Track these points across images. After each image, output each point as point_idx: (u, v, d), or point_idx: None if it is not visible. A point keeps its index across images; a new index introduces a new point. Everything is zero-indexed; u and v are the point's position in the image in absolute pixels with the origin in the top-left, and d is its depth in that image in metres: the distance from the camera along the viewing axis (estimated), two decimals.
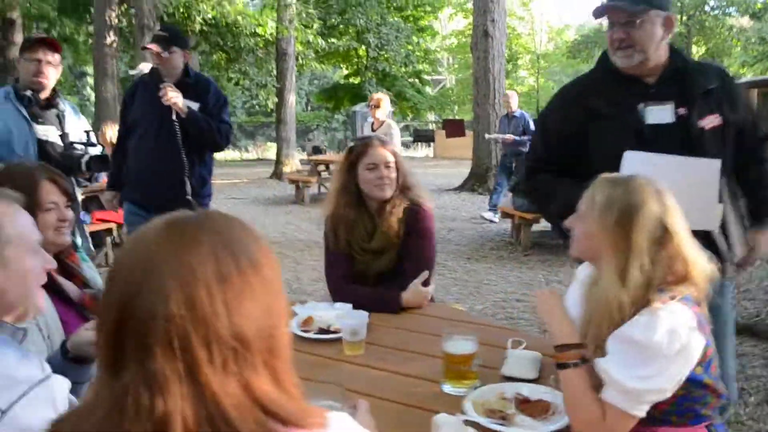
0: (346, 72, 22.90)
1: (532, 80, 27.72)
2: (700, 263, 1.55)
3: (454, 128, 12.02)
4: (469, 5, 24.57)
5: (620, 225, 1.56)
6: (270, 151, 19.85)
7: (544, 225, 7.26)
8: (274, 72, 15.62)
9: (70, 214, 2.04)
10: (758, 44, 18.54)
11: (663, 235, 1.55)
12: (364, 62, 21.03)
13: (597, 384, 1.55)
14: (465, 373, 1.84)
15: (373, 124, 7.21)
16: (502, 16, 12.06)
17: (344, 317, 2.20)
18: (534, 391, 1.76)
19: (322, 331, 2.26)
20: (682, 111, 2.23)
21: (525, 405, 1.71)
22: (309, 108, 31.84)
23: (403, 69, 21.58)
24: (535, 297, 1.78)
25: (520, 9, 26.31)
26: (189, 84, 3.64)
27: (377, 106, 7.12)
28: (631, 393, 1.47)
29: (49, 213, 1.96)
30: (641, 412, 1.48)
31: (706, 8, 19.41)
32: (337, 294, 2.63)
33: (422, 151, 23.89)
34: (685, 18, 18.99)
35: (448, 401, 1.78)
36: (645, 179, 1.64)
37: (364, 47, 19.94)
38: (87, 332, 1.57)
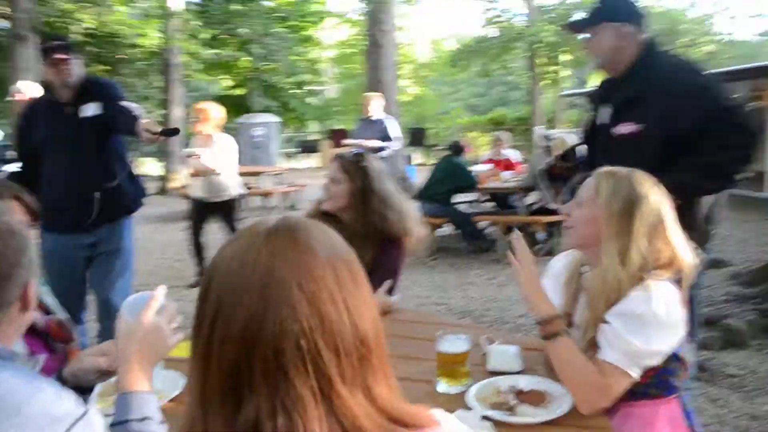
0: (230, 83, 22.41)
1: (414, 89, 28.43)
2: (685, 252, 1.71)
3: (340, 138, 12.21)
4: (351, 15, 25.02)
5: (625, 212, 1.72)
6: (146, 166, 18.87)
7: (446, 230, 7.52)
8: (160, 84, 15.01)
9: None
10: None
11: (659, 224, 1.71)
12: (249, 73, 20.70)
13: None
14: (459, 372, 1.89)
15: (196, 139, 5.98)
16: (393, 27, 12.30)
17: None
18: (527, 383, 1.85)
19: None
20: (609, 115, 2.51)
21: (522, 396, 1.79)
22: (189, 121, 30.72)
23: (287, 79, 21.43)
24: (516, 264, 1.83)
25: (400, 19, 26.95)
26: (88, 88, 3.41)
27: (204, 119, 5.79)
28: (633, 353, 1.61)
29: None
30: (636, 373, 1.63)
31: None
32: None
33: (307, 161, 23.82)
34: (557, 28, 20.26)
35: (444, 400, 1.81)
36: (643, 175, 1.80)
37: (247, 58, 19.62)
38: (90, 359, 1.48)
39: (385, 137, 7.53)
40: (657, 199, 1.74)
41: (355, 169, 2.61)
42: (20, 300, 1.15)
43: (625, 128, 2.42)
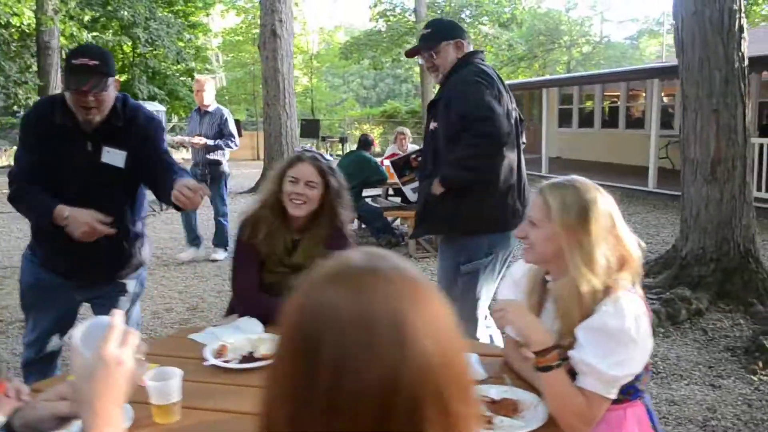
0: None
1: (305, 80, 28.12)
2: (633, 245, 1.74)
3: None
4: (241, 2, 24.32)
5: (580, 222, 1.70)
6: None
7: (353, 225, 7.45)
8: (34, 68, 13.84)
9: None
10: (507, 50, 20.92)
11: (611, 225, 1.72)
12: (131, 58, 19.60)
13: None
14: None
15: None
16: (290, 16, 12.05)
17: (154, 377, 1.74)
18: (497, 392, 1.82)
19: (247, 359, 2.08)
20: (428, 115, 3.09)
21: (495, 406, 1.75)
22: None
23: (174, 67, 20.51)
24: (502, 310, 1.80)
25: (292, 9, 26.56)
26: (119, 127, 2.57)
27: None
28: (610, 380, 1.60)
29: None
30: (614, 394, 1.64)
31: (462, 16, 21.41)
32: (246, 302, 2.49)
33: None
34: None
35: None
36: (583, 180, 1.80)
37: (130, 43, 18.56)
38: (47, 404, 1.27)
39: (224, 132, 6.57)
40: (604, 200, 1.75)
41: (327, 171, 2.52)
42: None
43: (431, 125, 2.97)
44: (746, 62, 5.21)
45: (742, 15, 5.18)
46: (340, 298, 0.73)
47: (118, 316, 1.15)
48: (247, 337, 2.23)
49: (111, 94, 2.48)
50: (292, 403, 0.72)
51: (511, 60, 25.63)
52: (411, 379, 0.69)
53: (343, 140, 24.90)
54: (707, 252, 5.36)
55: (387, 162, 7.72)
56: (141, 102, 11.34)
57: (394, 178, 7.54)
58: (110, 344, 1.11)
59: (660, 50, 32.51)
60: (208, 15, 21.53)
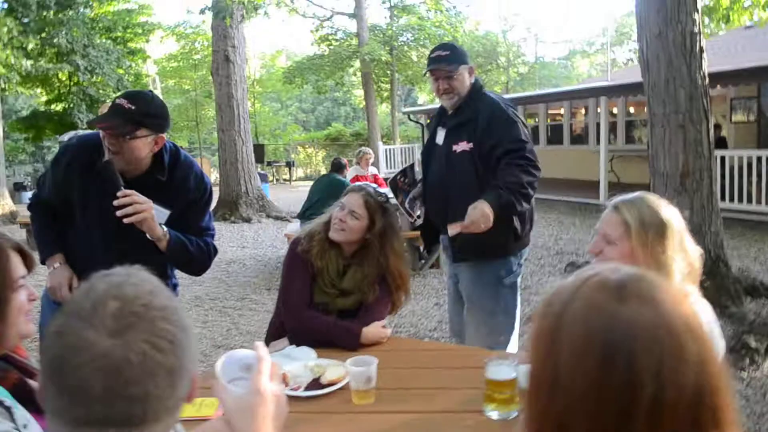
0: (45, 98, 20.39)
1: (248, 105, 27.87)
2: (697, 258, 1.85)
3: None
4: (182, 27, 23.97)
5: (658, 240, 1.80)
6: None
7: None
8: None
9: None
10: None
11: (682, 240, 1.83)
12: (68, 86, 19.00)
13: None
14: (512, 397, 1.88)
15: None
16: (242, 42, 12.01)
17: (353, 364, 2.05)
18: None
19: (314, 386, 2.08)
20: (447, 136, 3.01)
21: None
22: None
23: (114, 94, 20.00)
24: None
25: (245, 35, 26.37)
26: (162, 181, 2.42)
27: None
28: None
29: (19, 292, 1.50)
30: None
31: (402, 40, 21.73)
32: (295, 318, 2.51)
33: None
34: (388, 49, 21.00)
35: (498, 427, 1.81)
36: (654, 196, 1.90)
37: (66, 70, 18.00)
38: None
39: None
40: (675, 216, 1.86)
41: (377, 209, 2.58)
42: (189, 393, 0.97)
43: (460, 146, 2.92)
44: (707, 80, 5.54)
45: (702, 36, 5.51)
46: (638, 311, 0.76)
47: (262, 348, 1.16)
48: (304, 364, 2.22)
49: (138, 144, 2.28)
50: (608, 418, 0.74)
51: None
52: (709, 381, 0.73)
53: (289, 165, 24.83)
54: None
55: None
56: (79, 130, 10.75)
57: None
58: (264, 377, 1.11)
59: (590, 70, 33.87)
60: (147, 41, 21.11)
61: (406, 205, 3.15)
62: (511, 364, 1.90)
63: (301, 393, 2.04)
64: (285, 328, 2.58)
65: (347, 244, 2.57)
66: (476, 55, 26.03)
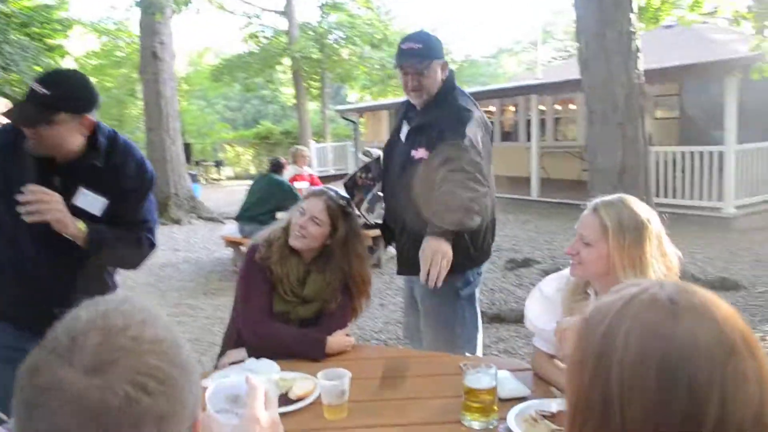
0: None
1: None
2: (676, 260, 1.85)
3: None
4: (104, 23, 22.98)
5: (636, 242, 1.80)
6: None
7: None
8: None
9: None
10: (379, 70, 21.35)
11: (660, 242, 1.81)
12: None
13: None
14: (491, 405, 1.82)
15: None
16: (171, 38, 11.58)
17: (324, 377, 1.94)
18: (555, 405, 1.84)
19: (282, 401, 1.95)
20: (408, 137, 2.75)
21: (555, 419, 1.77)
22: None
23: None
24: (566, 330, 1.82)
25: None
26: (98, 167, 2.20)
27: None
28: None
29: None
30: None
31: (330, 38, 21.57)
32: (258, 328, 2.36)
33: None
34: (319, 46, 20.81)
35: None
36: (633, 198, 1.88)
37: None
38: None
39: None
40: (653, 218, 1.85)
41: (339, 214, 2.47)
42: None
43: (418, 153, 2.65)
44: (643, 79, 5.69)
45: (637, 36, 5.65)
46: (695, 330, 0.71)
47: (251, 377, 1.07)
48: (267, 379, 2.10)
49: (59, 131, 2.06)
50: None
51: (382, 79, 26.17)
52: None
53: (218, 164, 24.23)
54: None
55: (297, 184, 7.61)
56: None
57: None
58: (259, 404, 1.04)
59: (516, 68, 34.64)
60: (66, 38, 20.11)
61: (366, 205, 2.94)
62: (489, 371, 1.84)
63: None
64: (243, 339, 2.43)
65: (308, 250, 2.46)
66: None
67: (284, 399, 1.95)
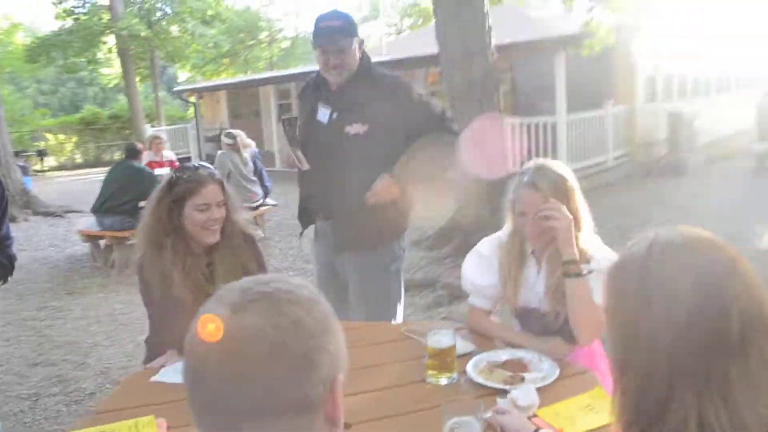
0: None
1: None
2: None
3: None
4: None
5: (569, 199, 2.09)
6: None
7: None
8: None
9: None
10: (213, 48, 20.68)
11: (580, 194, 2.12)
12: None
13: None
14: (452, 364, 1.99)
15: None
16: None
17: None
18: (503, 354, 2.06)
19: None
20: (335, 116, 2.79)
21: (506, 366, 2.00)
22: None
23: None
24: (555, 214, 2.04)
25: None
26: None
27: None
28: None
29: None
30: None
31: (158, 15, 20.48)
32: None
33: None
34: (147, 24, 19.67)
35: (443, 392, 1.90)
36: (549, 161, 2.17)
37: None
38: None
39: None
40: (570, 173, 2.15)
41: (222, 181, 2.35)
42: (330, 404, 0.86)
43: (354, 128, 2.73)
44: (496, 56, 6.12)
45: (489, 17, 6.06)
46: (715, 257, 0.95)
47: None
48: None
49: None
50: (708, 341, 0.90)
51: (214, 58, 25.39)
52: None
53: (41, 154, 22.16)
54: (482, 220, 6.19)
55: (164, 170, 7.29)
56: None
57: None
58: None
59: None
60: None
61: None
62: (447, 332, 2.01)
63: None
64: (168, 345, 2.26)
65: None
66: (238, 30, 25.52)
67: None
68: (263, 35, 28.18)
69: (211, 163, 2.91)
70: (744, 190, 10.09)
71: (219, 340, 0.79)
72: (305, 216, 3.05)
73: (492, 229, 6.64)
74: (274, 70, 26.00)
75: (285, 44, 29.43)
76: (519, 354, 2.05)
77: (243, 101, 19.55)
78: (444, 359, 1.98)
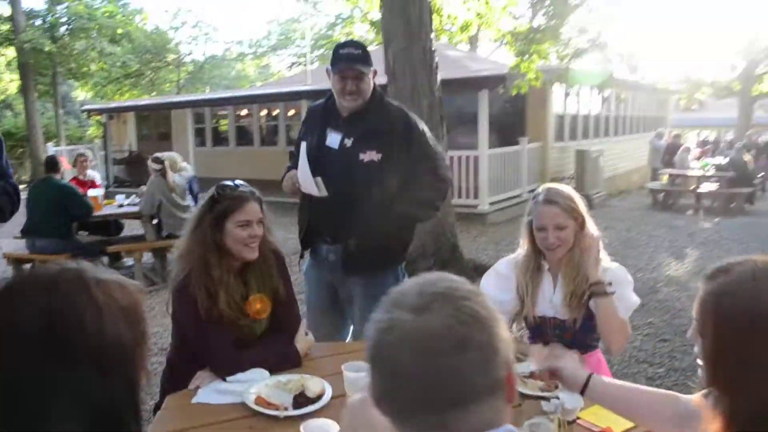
0: None
1: None
2: None
3: None
4: None
5: (582, 212, 2.36)
6: None
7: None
8: None
9: None
10: (120, 67, 20.01)
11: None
12: None
13: None
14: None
15: None
16: None
17: (348, 370, 2.02)
18: (527, 367, 2.19)
19: (303, 402, 1.98)
20: (348, 143, 2.90)
21: (536, 377, 2.15)
22: None
23: None
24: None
25: None
26: None
27: None
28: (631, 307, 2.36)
29: None
30: None
31: (67, 28, 19.59)
32: (229, 366, 2.20)
33: None
34: (51, 38, 18.76)
35: None
36: (556, 184, 2.44)
37: None
38: None
39: None
40: (576, 193, 2.43)
41: (262, 204, 2.38)
42: (508, 383, 0.97)
43: (368, 156, 2.85)
44: (440, 92, 6.42)
45: (435, 55, 6.37)
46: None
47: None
48: (266, 384, 2.10)
49: None
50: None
51: (117, 78, 24.56)
52: None
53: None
54: (427, 248, 6.43)
55: (95, 191, 6.99)
56: None
57: (100, 210, 6.88)
58: None
59: (257, 72, 34.80)
60: None
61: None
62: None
63: (295, 412, 1.93)
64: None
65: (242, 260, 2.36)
66: (145, 51, 24.86)
67: (305, 398, 1.99)
68: (170, 57, 27.57)
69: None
70: (644, 222, 10.99)
71: (409, 342, 0.90)
72: (308, 240, 3.11)
73: (436, 256, 6.92)
74: (181, 93, 25.50)
75: (192, 68, 28.92)
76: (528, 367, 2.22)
77: (152, 123, 19.02)
78: None
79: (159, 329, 5.49)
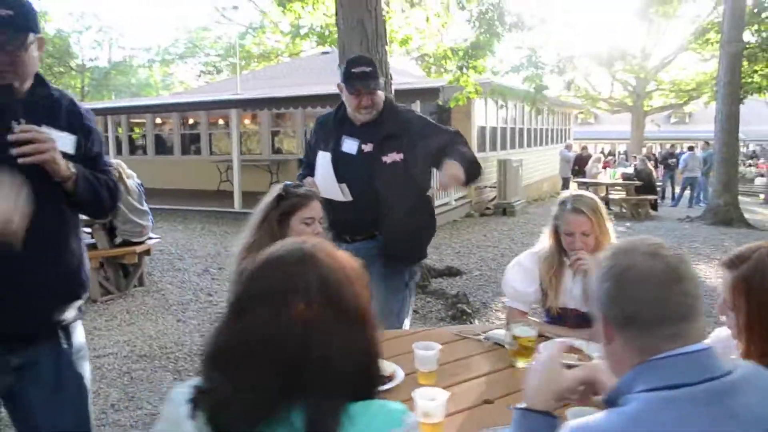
0: None
1: None
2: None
3: None
4: None
5: (603, 217, 2.65)
6: None
7: None
8: None
9: None
10: None
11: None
12: None
13: None
14: (532, 351, 2.43)
15: None
16: None
17: (419, 348, 2.23)
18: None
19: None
20: (367, 148, 3.12)
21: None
22: None
23: None
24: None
25: None
26: (49, 101, 1.99)
27: None
28: None
29: None
30: None
31: None
32: None
33: None
34: None
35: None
36: (578, 190, 2.75)
37: None
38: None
39: None
40: (599, 200, 2.74)
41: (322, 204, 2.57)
42: None
43: (390, 158, 3.08)
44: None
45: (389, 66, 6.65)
46: None
47: None
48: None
49: (31, 55, 1.90)
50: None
51: None
52: None
53: None
54: None
55: None
56: None
57: None
58: None
59: (165, 79, 33.91)
60: None
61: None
62: (528, 325, 2.46)
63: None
64: None
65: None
66: (48, 55, 23.71)
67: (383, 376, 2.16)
68: (75, 63, 26.43)
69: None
70: None
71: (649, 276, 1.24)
72: (349, 228, 3.22)
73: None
74: (85, 101, 24.48)
75: (98, 74, 27.81)
76: (569, 341, 2.52)
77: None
78: (524, 347, 2.40)
79: (128, 337, 5.45)
